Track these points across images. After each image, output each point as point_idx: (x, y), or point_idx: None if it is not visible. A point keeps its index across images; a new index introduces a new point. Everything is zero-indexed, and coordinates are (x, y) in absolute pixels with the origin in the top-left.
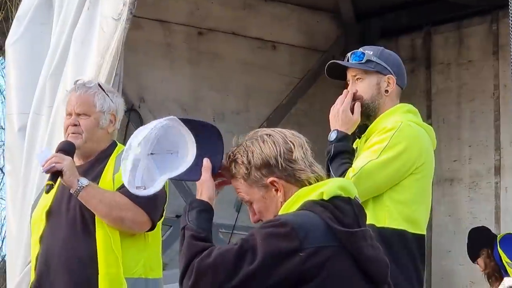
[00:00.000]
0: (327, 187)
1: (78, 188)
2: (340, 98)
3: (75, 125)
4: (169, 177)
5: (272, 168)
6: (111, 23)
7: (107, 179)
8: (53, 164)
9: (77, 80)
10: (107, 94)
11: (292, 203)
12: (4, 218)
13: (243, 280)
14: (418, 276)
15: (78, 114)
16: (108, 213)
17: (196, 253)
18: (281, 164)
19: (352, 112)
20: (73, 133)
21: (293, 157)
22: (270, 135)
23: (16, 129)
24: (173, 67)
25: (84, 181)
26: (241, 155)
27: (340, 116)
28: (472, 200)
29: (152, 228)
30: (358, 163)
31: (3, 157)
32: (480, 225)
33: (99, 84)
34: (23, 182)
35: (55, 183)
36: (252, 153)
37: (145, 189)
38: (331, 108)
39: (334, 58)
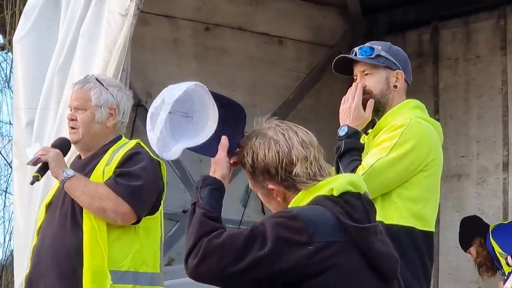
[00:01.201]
0: (337, 183)
1: (63, 178)
2: (351, 92)
3: (73, 119)
4: (185, 146)
5: (273, 176)
6: (119, 19)
7: (98, 172)
8: (38, 156)
9: (86, 76)
10: (106, 88)
11: (301, 198)
12: (12, 213)
13: (249, 265)
14: (426, 272)
15: (76, 109)
16: (90, 203)
17: (206, 232)
18: (281, 175)
19: (364, 108)
20: (71, 127)
21: (294, 171)
22: (277, 142)
23: (24, 124)
24: (180, 63)
25: (69, 172)
26: (247, 153)
27: (353, 112)
28: (480, 196)
29: (138, 220)
30: (368, 160)
31: (11, 151)
32: (472, 214)
33: (97, 79)
34: (31, 177)
35: (42, 175)
36: (257, 155)
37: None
38: (342, 102)
39: (341, 53)
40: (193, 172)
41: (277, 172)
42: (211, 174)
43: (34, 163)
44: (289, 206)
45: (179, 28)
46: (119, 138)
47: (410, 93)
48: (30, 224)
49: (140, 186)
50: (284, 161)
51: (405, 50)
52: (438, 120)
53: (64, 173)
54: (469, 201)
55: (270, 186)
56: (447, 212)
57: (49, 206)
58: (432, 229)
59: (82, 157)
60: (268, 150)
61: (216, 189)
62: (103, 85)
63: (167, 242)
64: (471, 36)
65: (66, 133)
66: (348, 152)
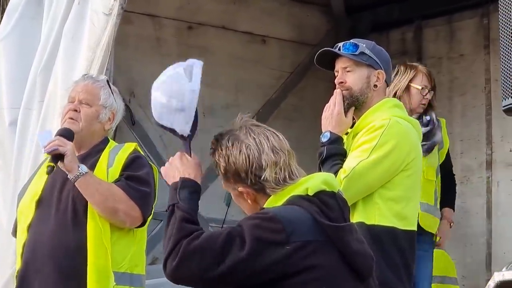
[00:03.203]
0: (311, 183)
1: (78, 174)
2: (332, 99)
3: (76, 110)
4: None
5: (243, 179)
6: (102, 18)
7: (102, 172)
8: (56, 147)
9: (87, 74)
10: (112, 93)
11: (276, 199)
12: None
13: (228, 268)
14: (408, 272)
15: (81, 102)
16: (103, 202)
17: (185, 235)
18: (251, 179)
19: (345, 115)
20: (71, 118)
21: (263, 175)
22: (248, 146)
23: (7, 123)
24: (163, 62)
25: (84, 168)
26: (219, 154)
27: (335, 118)
28: (464, 194)
29: (143, 224)
30: (349, 163)
31: None
32: None
33: (107, 81)
34: (14, 176)
35: (56, 166)
36: (228, 158)
37: None
38: (324, 110)
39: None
40: None
41: (247, 176)
42: (185, 175)
43: (51, 153)
44: (265, 206)
45: (162, 27)
46: (107, 140)
47: None
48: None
49: (148, 192)
50: (254, 166)
51: (388, 49)
52: None
53: (80, 169)
54: None
55: (240, 188)
56: None
57: (39, 202)
58: (415, 228)
59: None
60: (239, 154)
61: (195, 192)
62: (111, 89)
63: (151, 241)
64: (455, 35)
65: None
66: (330, 158)
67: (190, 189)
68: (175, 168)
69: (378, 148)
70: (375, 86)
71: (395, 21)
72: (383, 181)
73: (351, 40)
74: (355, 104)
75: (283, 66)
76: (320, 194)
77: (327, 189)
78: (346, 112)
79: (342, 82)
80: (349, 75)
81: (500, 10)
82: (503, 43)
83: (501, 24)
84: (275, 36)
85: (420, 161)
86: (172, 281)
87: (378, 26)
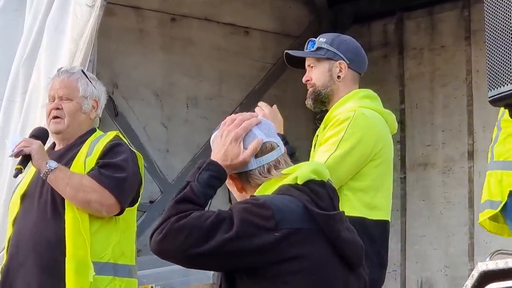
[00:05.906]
0: (300, 172)
1: (46, 171)
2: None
3: (58, 108)
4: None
5: None
6: (85, 10)
7: (79, 163)
8: (21, 149)
9: (61, 68)
10: (90, 81)
11: (265, 188)
12: None
13: (213, 248)
14: (380, 260)
15: (61, 98)
16: (74, 195)
17: (177, 213)
18: None
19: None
20: (55, 116)
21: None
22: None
23: None
24: (146, 53)
25: (52, 164)
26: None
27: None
28: (446, 184)
29: (121, 212)
30: (319, 158)
31: None
32: None
33: (82, 71)
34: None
35: (24, 168)
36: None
37: None
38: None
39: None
40: (159, 163)
41: None
42: (216, 157)
43: (17, 155)
44: (255, 194)
45: (145, 19)
46: (94, 130)
47: (376, 83)
48: None
49: (124, 177)
50: None
51: (370, 40)
52: (403, 109)
53: (47, 165)
54: (435, 190)
55: (230, 175)
56: (413, 201)
57: (24, 196)
58: (386, 217)
59: (57, 148)
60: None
61: (217, 178)
62: (87, 77)
63: None
64: (436, 27)
65: (32, 124)
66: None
67: (212, 173)
68: (221, 145)
69: (344, 141)
70: (339, 77)
71: (377, 13)
72: (352, 174)
73: (318, 37)
74: (320, 98)
75: (266, 57)
76: (309, 183)
77: (317, 178)
78: (313, 108)
79: (308, 80)
80: (313, 72)
81: (485, 0)
82: (488, 34)
83: (486, 15)
84: (257, 27)
85: (390, 151)
86: (155, 253)
87: (360, 18)
